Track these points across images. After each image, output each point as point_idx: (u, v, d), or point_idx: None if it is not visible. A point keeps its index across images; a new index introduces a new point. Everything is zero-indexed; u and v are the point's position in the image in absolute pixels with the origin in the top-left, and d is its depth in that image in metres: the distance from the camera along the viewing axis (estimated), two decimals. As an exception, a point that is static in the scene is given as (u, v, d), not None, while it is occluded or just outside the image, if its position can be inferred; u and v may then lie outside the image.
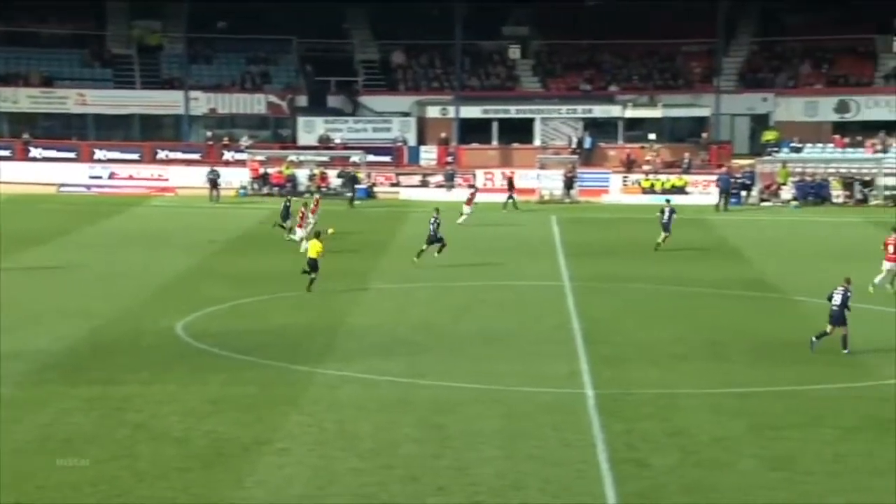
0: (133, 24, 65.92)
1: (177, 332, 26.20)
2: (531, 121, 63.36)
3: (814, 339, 24.66)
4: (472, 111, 63.37)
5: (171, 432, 18.86)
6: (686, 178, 57.88)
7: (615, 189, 57.99)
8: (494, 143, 63.58)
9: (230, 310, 29.02)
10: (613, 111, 62.99)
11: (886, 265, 32.45)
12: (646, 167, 59.80)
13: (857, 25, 63.31)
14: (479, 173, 60.33)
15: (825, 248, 40.36)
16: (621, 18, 64.73)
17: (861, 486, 16.47)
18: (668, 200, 42.21)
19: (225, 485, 16.60)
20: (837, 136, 60.71)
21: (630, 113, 62.56)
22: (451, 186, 59.02)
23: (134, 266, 35.04)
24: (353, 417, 19.86)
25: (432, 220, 37.34)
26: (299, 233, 38.78)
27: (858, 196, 54.41)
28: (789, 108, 62.06)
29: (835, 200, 54.24)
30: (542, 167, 58.48)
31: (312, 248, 31.37)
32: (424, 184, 59.83)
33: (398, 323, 27.74)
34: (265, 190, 57.14)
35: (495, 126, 63.58)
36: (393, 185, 59.19)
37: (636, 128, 62.89)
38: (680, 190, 57.30)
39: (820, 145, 60.67)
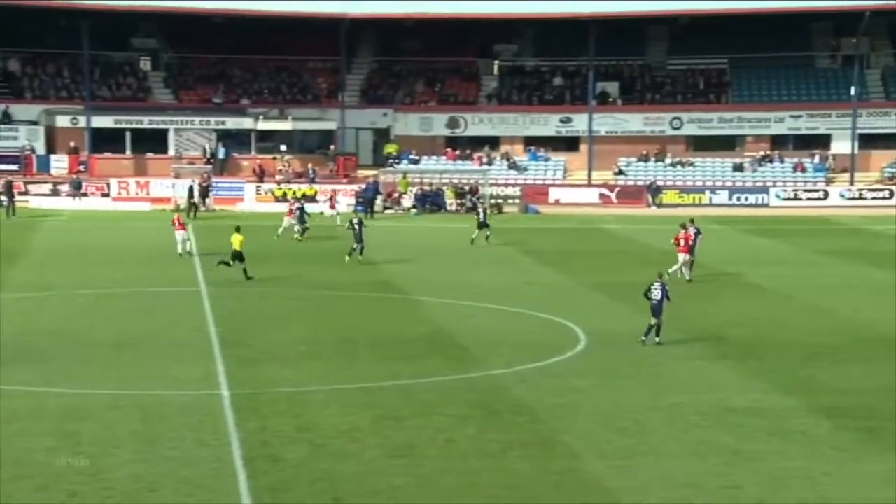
0: None
1: None
2: (165, 131, 61.95)
3: (644, 337, 25.49)
4: (103, 121, 61.08)
5: None
6: (316, 187, 58.76)
7: (249, 198, 57.88)
8: (128, 152, 61.58)
9: None
10: (246, 123, 62.82)
11: (680, 257, 34.91)
12: (278, 177, 60.10)
13: (462, 50, 67.01)
14: (113, 182, 58.26)
15: (442, 251, 42.19)
16: (250, 34, 64.63)
17: (470, 468, 17.34)
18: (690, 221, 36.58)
19: None
20: (449, 150, 63.90)
21: (262, 125, 62.66)
22: (79, 195, 56.65)
23: None
24: (-20, 430, 18.52)
25: (356, 221, 38.98)
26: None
27: (469, 204, 57.44)
28: (407, 123, 64.55)
29: (449, 208, 56.95)
30: (177, 176, 57.33)
31: (236, 241, 34.19)
32: (55, 192, 56.96)
33: (27, 332, 26.18)
34: None
35: (128, 136, 61.60)
36: (21, 193, 55.84)
37: (268, 139, 63.10)
38: (311, 199, 58.04)
39: (435, 157, 63.62)
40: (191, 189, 53.92)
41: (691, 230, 35.61)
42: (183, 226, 39.78)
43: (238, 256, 34.28)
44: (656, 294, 25.63)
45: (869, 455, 18.14)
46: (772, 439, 18.89)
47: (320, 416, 19.83)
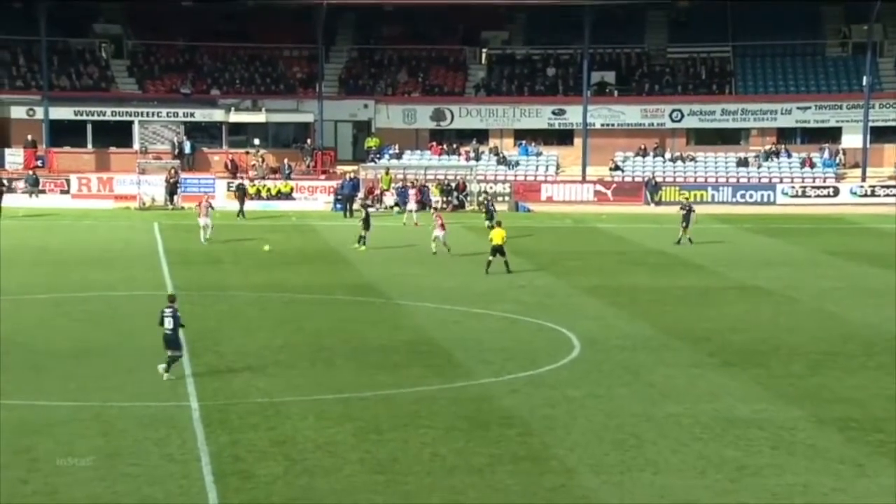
0: None
1: None
2: (129, 124, 61.80)
3: None
4: (62, 112, 60.91)
5: None
6: (292, 183, 58.76)
7: (220, 195, 57.75)
8: (89, 146, 61.38)
9: None
10: (216, 115, 62.69)
11: None
12: (251, 172, 60.01)
13: (448, 37, 67.02)
14: (73, 178, 58.09)
15: (426, 252, 42.03)
16: (220, 20, 64.49)
17: (457, 484, 17.34)
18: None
19: None
20: (434, 144, 63.91)
21: (233, 117, 62.52)
22: (35, 192, 56.51)
23: None
24: (-72, 446, 18.43)
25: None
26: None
27: (455, 202, 57.49)
28: (389, 116, 64.51)
29: (434, 205, 56.92)
30: (143, 172, 57.22)
31: (497, 236, 36.64)
32: (10, 189, 56.69)
33: (-20, 340, 26.04)
34: None
35: (90, 128, 61.40)
36: (-26, 191, 55.56)
37: (240, 132, 63.01)
38: (287, 196, 58.12)
39: (419, 152, 63.63)
40: (241, 187, 54.11)
41: None
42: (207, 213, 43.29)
43: (499, 250, 36.49)
44: None
45: (881, 469, 18.23)
46: (777, 453, 18.96)
47: (296, 429, 19.81)
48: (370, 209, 45.84)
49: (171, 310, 23.18)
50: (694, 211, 45.79)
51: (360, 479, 17.43)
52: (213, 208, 45.09)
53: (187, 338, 26.65)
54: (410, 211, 51.12)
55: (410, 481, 17.38)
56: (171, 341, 23.12)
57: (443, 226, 40.86)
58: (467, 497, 16.83)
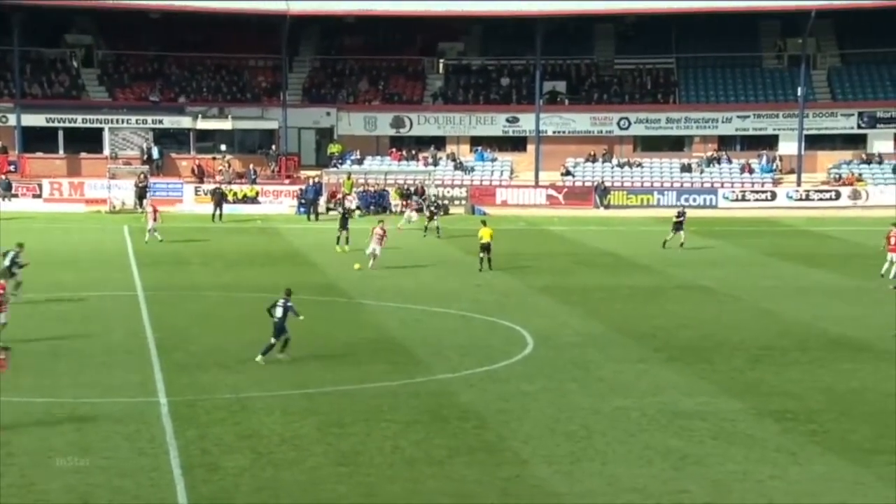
0: None
1: None
2: (100, 130, 61.24)
3: None
4: (35, 119, 60.28)
5: None
6: (257, 187, 58.55)
7: (188, 199, 57.43)
8: (61, 152, 60.80)
9: None
10: (184, 122, 62.26)
11: (890, 256, 35.35)
12: (218, 177, 59.71)
13: (407, 48, 67.05)
14: (45, 183, 57.56)
15: (386, 254, 41.95)
16: (187, 31, 64.09)
17: (417, 475, 17.39)
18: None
19: None
20: (394, 150, 63.92)
21: (201, 124, 62.14)
22: (8, 196, 55.97)
23: None
24: None
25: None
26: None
27: (415, 205, 57.41)
28: (351, 123, 64.40)
29: (394, 209, 56.95)
30: (113, 177, 56.80)
31: (486, 234, 37.41)
32: (-12, 194, 56.15)
33: (-43, 340, 25.72)
34: None
35: (61, 135, 60.81)
36: (-51, 194, 54.95)
37: (207, 139, 62.62)
38: (252, 200, 57.89)
39: (379, 158, 63.60)
40: (217, 192, 53.61)
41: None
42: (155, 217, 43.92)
43: (486, 248, 36.97)
44: None
45: (814, 457, 18.51)
46: (718, 443, 19.18)
47: (262, 424, 19.78)
48: (337, 210, 45.92)
49: (283, 301, 24.16)
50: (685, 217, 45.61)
51: (323, 471, 17.44)
52: (159, 213, 45.11)
53: (157, 336, 26.60)
54: (410, 220, 50.71)
55: (372, 472, 17.41)
56: (278, 329, 24.05)
57: (381, 239, 38.03)
58: (426, 487, 16.89)
